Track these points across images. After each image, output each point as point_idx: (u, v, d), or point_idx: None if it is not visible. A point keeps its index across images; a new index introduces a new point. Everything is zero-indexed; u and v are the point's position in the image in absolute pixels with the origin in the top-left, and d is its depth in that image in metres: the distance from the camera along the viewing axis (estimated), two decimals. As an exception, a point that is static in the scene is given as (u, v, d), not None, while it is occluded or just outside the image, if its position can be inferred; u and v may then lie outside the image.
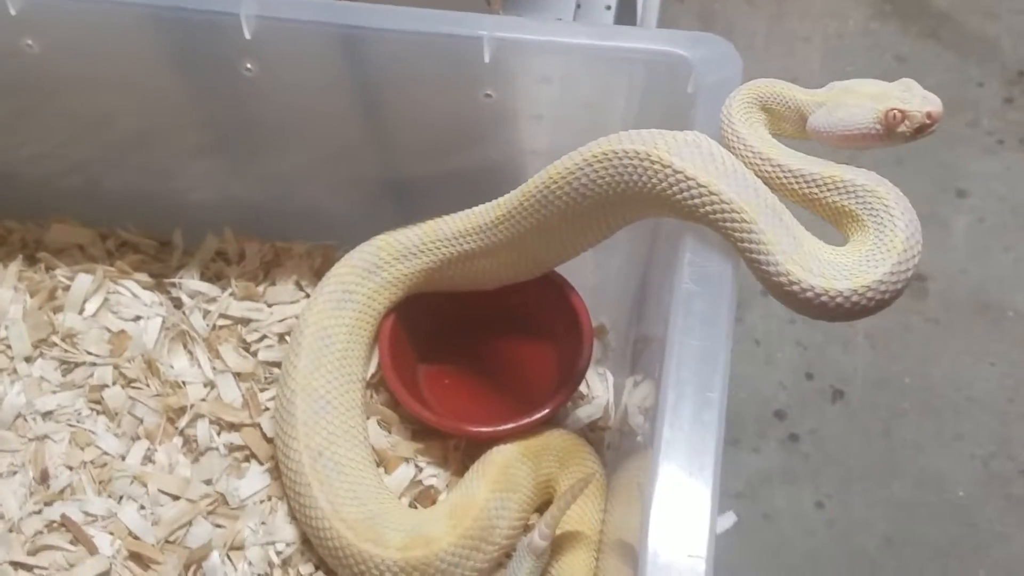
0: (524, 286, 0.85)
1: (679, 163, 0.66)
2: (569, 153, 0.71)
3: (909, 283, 0.64)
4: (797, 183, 0.66)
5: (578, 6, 1.62)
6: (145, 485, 0.85)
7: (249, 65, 0.82)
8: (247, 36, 0.79)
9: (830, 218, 0.67)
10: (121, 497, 0.85)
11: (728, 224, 0.65)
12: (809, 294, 0.63)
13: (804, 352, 1.70)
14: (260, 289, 0.93)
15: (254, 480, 0.85)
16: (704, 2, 2.13)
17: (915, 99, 0.65)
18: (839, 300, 0.63)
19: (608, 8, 1.62)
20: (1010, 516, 1.55)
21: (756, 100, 0.70)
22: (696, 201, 0.65)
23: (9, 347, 0.91)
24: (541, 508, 0.85)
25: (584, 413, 0.89)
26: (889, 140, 0.66)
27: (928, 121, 0.65)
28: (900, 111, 0.65)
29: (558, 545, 0.81)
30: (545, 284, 0.87)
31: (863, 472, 1.63)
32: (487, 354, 0.92)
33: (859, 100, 0.66)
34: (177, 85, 0.88)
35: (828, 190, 0.66)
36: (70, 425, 0.88)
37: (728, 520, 1.85)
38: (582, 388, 0.90)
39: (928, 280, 1.78)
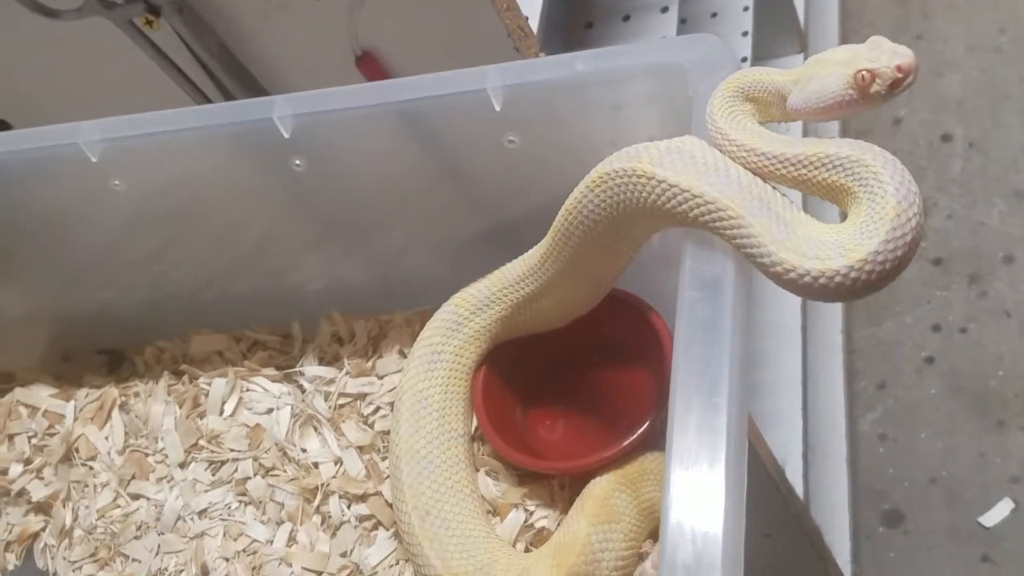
0: (605, 315, 0.86)
1: (661, 172, 0.65)
2: (579, 183, 0.72)
3: (915, 248, 0.60)
4: (784, 167, 0.64)
5: (714, 14, 1.60)
6: (291, 565, 0.91)
7: (298, 161, 0.87)
8: (285, 135, 0.85)
9: (826, 196, 0.64)
10: (271, 581, 0.91)
11: (717, 223, 0.63)
12: (807, 279, 0.60)
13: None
14: (369, 364, 0.98)
15: (382, 547, 0.89)
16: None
17: (883, 55, 0.61)
18: (838, 279, 0.60)
19: (746, 9, 1.59)
20: None
21: (738, 92, 0.68)
22: (684, 207, 0.64)
23: (166, 456, 1.00)
24: (652, 534, 0.84)
25: (677, 434, 0.87)
26: (867, 103, 0.62)
27: (900, 75, 0.61)
28: (868, 71, 0.61)
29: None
30: (625, 309, 0.87)
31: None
32: (583, 388, 0.92)
33: (829, 69, 0.63)
34: (268, 191, 0.95)
35: (815, 168, 0.63)
36: (222, 519, 0.95)
37: (1005, 507, 1.73)
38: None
39: None
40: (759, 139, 0.65)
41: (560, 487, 0.87)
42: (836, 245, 0.60)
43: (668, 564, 0.57)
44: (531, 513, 0.87)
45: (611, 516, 0.81)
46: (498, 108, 0.79)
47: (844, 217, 0.63)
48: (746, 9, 1.56)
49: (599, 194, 0.69)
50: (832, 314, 1.86)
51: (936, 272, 1.90)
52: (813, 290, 0.61)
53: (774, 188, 0.64)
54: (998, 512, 1.66)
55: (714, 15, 1.56)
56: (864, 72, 0.61)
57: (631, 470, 0.83)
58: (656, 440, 0.86)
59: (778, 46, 1.77)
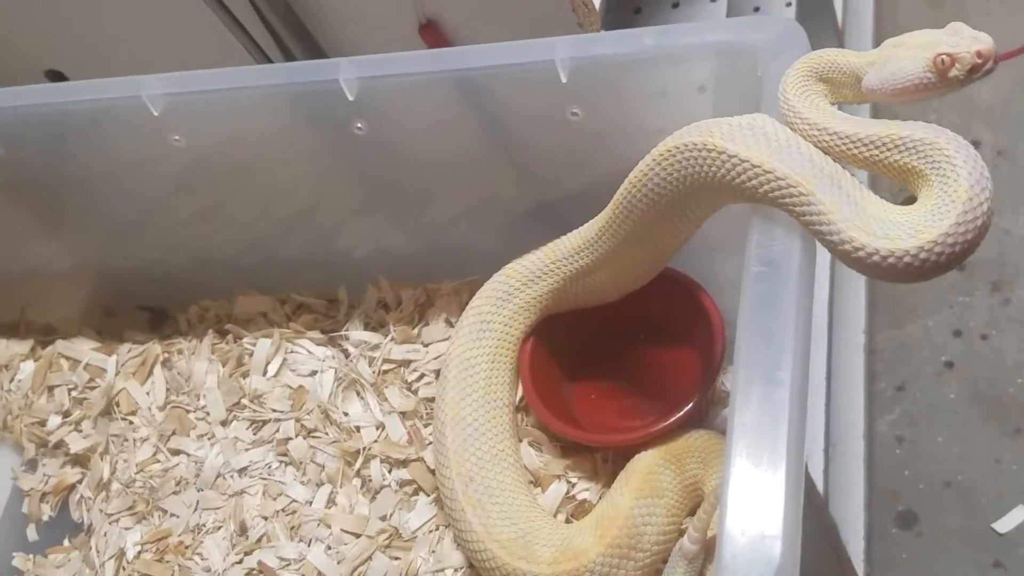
0: (655, 293, 0.87)
1: (732, 147, 0.66)
2: (644, 157, 0.72)
3: (984, 233, 0.61)
4: (857, 148, 0.65)
5: (756, 8, 1.61)
6: (330, 527, 0.92)
7: (360, 125, 0.88)
8: (350, 98, 0.85)
9: (896, 178, 0.64)
10: (310, 540, 0.92)
11: (787, 200, 0.64)
12: (876, 258, 0.61)
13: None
14: (415, 331, 0.98)
15: (422, 511, 0.90)
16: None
17: (963, 41, 0.62)
18: (907, 260, 0.60)
19: (788, 4, 1.60)
20: None
21: (811, 73, 0.68)
22: (754, 182, 0.65)
23: (208, 414, 1.01)
24: (694, 511, 0.85)
25: (728, 411, 0.88)
26: (944, 87, 0.63)
27: (979, 60, 0.62)
28: (948, 55, 0.62)
29: (712, 547, 0.80)
30: (676, 288, 0.87)
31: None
32: (629, 364, 0.93)
33: (909, 52, 0.64)
34: (328, 155, 0.96)
35: (888, 150, 0.63)
36: (263, 478, 0.96)
37: (1019, 514, 1.73)
38: (726, 386, 0.89)
39: None
40: (832, 119, 0.66)
41: (603, 460, 0.88)
42: (906, 226, 0.61)
43: (728, 535, 0.57)
44: (573, 485, 0.87)
45: (655, 491, 0.82)
46: (564, 80, 0.80)
47: (909, 201, 0.63)
48: (789, 4, 1.56)
49: (666, 167, 0.70)
50: (854, 315, 1.86)
51: (959, 278, 1.91)
52: (881, 270, 0.61)
53: (844, 168, 0.65)
54: (1012, 519, 1.66)
55: (756, 9, 1.57)
56: (944, 56, 0.62)
57: (676, 447, 0.84)
58: (701, 419, 0.87)
59: (817, 42, 1.77)
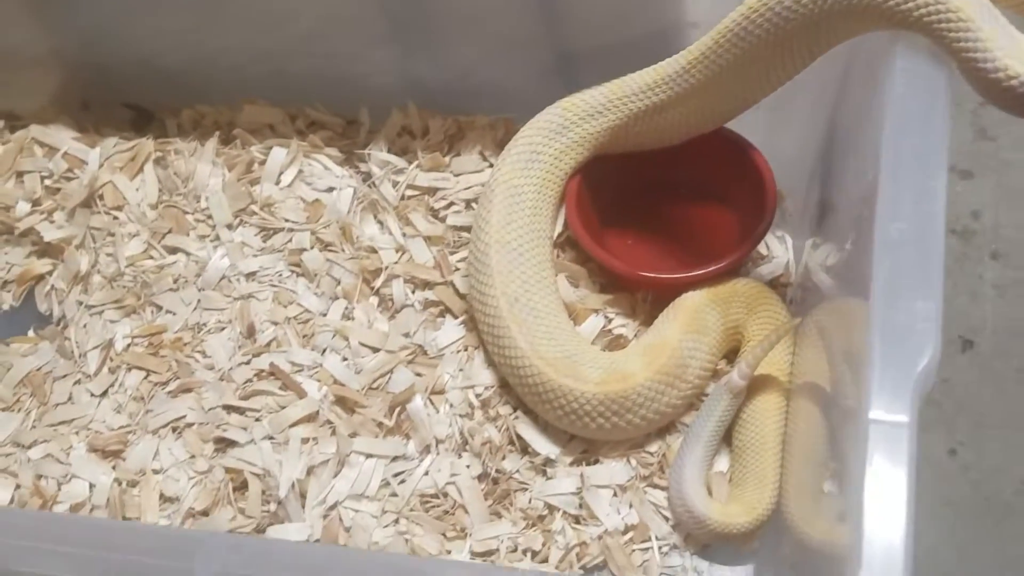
0: (708, 150, 0.88)
1: (889, -29, 0.67)
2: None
3: None
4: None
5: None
6: (347, 339, 0.89)
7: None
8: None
9: None
10: (324, 350, 0.89)
11: (943, 24, 0.66)
12: None
13: (934, 303, 1.70)
14: (446, 160, 0.96)
15: (450, 331, 0.89)
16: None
17: None
18: (1058, 91, 0.63)
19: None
20: None
21: None
22: (909, 5, 0.67)
23: (210, 216, 0.96)
24: (728, 354, 0.87)
25: (766, 270, 0.91)
26: None
27: None
28: None
29: (751, 387, 0.83)
30: (730, 147, 0.89)
31: (997, 420, 1.61)
32: (669, 217, 0.94)
33: None
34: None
35: None
36: (272, 285, 0.92)
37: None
38: (761, 250, 0.92)
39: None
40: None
41: (643, 300, 0.89)
42: (1060, 62, 0.64)
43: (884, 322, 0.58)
44: (610, 320, 0.88)
45: (701, 328, 0.84)
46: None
47: None
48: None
49: (804, -9, 0.71)
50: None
51: None
52: (1025, 101, 0.64)
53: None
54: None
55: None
56: None
57: (723, 290, 0.86)
58: (741, 274, 0.90)
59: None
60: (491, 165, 0.96)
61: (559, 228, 0.91)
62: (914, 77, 0.67)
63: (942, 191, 0.63)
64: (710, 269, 0.85)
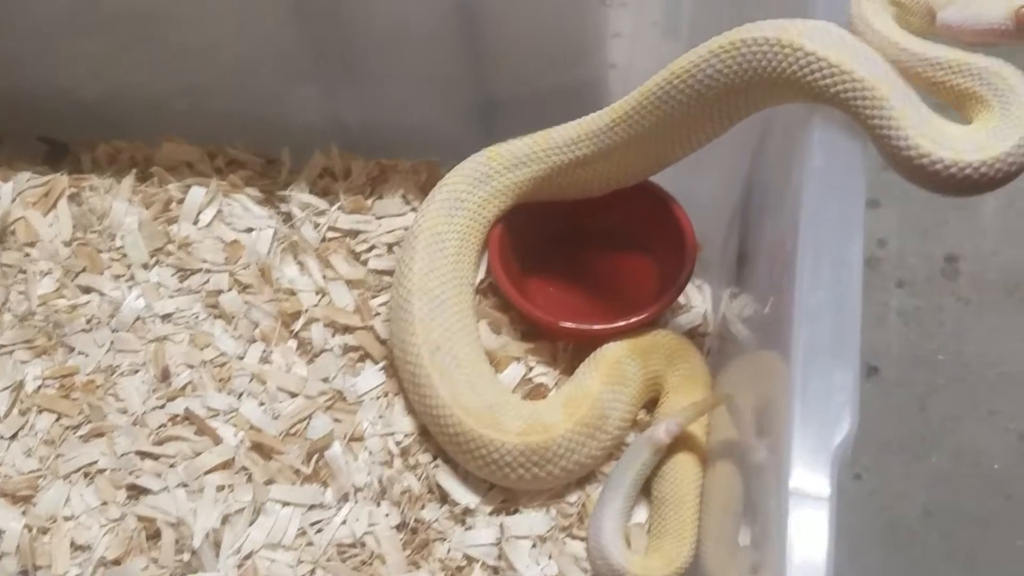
0: (629, 201, 0.89)
1: (810, 45, 0.69)
2: (693, 48, 0.75)
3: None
4: (923, 67, 0.70)
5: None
6: (264, 383, 0.88)
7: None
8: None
9: (955, 102, 0.70)
10: (241, 394, 0.88)
11: (859, 101, 0.68)
12: (939, 166, 0.66)
13: (840, 329, 1.73)
14: (368, 202, 0.96)
15: (370, 377, 0.88)
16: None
17: None
18: (968, 172, 0.66)
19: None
20: (1044, 488, 1.57)
21: None
22: (828, 81, 0.69)
23: (125, 255, 0.94)
24: (648, 404, 0.88)
25: (685, 320, 0.92)
26: (1020, 37, 0.69)
27: None
28: None
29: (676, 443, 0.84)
30: (651, 199, 0.91)
31: (900, 446, 1.65)
32: (590, 266, 0.95)
33: None
34: (281, 11, 0.92)
35: (954, 73, 0.69)
36: (188, 328, 0.91)
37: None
38: (680, 300, 0.93)
39: (959, 261, 1.81)
40: (901, 35, 0.71)
41: (563, 349, 0.90)
42: (970, 141, 0.66)
43: (801, 424, 0.60)
44: (531, 368, 0.89)
45: (621, 379, 0.85)
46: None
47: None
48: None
49: (725, 59, 0.73)
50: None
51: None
52: (939, 179, 0.66)
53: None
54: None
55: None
56: None
57: (643, 342, 0.87)
58: (660, 324, 0.91)
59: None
60: (414, 209, 0.96)
61: (482, 274, 0.91)
62: (831, 150, 0.68)
63: (858, 262, 0.65)
64: (631, 321, 0.86)
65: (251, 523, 0.82)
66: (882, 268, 1.57)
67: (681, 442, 0.84)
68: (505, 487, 0.83)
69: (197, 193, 0.95)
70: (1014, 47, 0.70)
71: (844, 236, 0.65)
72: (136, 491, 0.83)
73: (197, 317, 0.91)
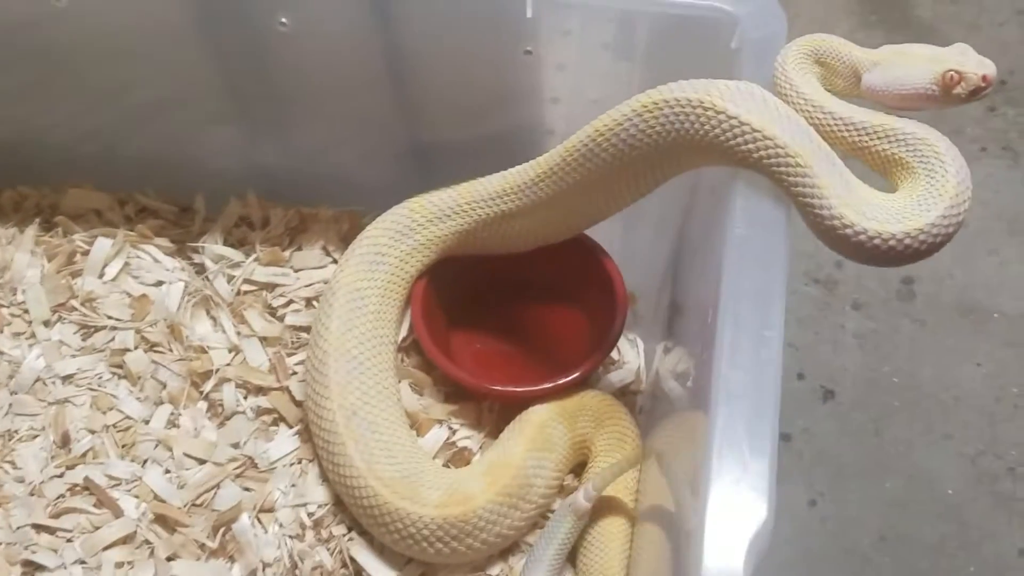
0: (557, 253, 0.85)
1: (733, 109, 0.66)
2: (616, 106, 0.71)
3: (957, 231, 0.64)
4: (848, 132, 0.67)
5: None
6: (170, 449, 0.83)
7: (284, 19, 0.81)
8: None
9: (880, 167, 0.67)
10: (145, 461, 0.83)
11: (782, 168, 0.65)
12: (862, 237, 0.63)
13: (795, 352, 1.70)
14: (286, 254, 0.92)
15: (283, 443, 0.84)
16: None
17: (971, 62, 0.66)
18: (892, 243, 0.63)
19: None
20: (998, 513, 1.55)
21: (811, 53, 0.70)
22: (751, 146, 0.66)
23: (26, 311, 0.89)
24: (576, 468, 0.84)
25: (616, 377, 0.89)
26: (945, 101, 0.66)
27: (983, 84, 0.65)
28: (957, 72, 0.65)
29: (597, 507, 0.80)
30: (579, 251, 0.87)
31: (855, 471, 1.63)
32: (518, 320, 0.91)
33: (916, 61, 0.67)
34: (198, 51, 0.88)
35: (879, 138, 0.66)
36: (91, 389, 0.86)
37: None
38: (613, 354, 0.90)
39: (915, 283, 1.79)
40: (827, 99, 0.68)
41: (489, 410, 0.86)
42: (894, 211, 0.63)
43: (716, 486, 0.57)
44: (454, 432, 0.85)
45: (547, 444, 0.81)
46: (529, 15, 0.78)
47: (894, 190, 0.66)
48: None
49: (648, 120, 0.69)
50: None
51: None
52: (863, 250, 0.63)
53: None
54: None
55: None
56: (954, 73, 0.65)
57: (570, 404, 0.83)
58: (591, 381, 0.87)
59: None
60: (334, 261, 0.92)
61: (404, 332, 0.87)
62: (754, 217, 0.65)
63: (778, 339, 0.62)
64: (559, 383, 0.83)
65: (152, 603, 0.77)
66: (839, 290, 1.55)
67: (607, 508, 0.80)
68: (423, 561, 0.79)
69: (103, 244, 0.91)
70: (937, 109, 0.67)
71: (764, 311, 0.62)
72: (31, 568, 0.79)
73: (100, 378, 0.87)
